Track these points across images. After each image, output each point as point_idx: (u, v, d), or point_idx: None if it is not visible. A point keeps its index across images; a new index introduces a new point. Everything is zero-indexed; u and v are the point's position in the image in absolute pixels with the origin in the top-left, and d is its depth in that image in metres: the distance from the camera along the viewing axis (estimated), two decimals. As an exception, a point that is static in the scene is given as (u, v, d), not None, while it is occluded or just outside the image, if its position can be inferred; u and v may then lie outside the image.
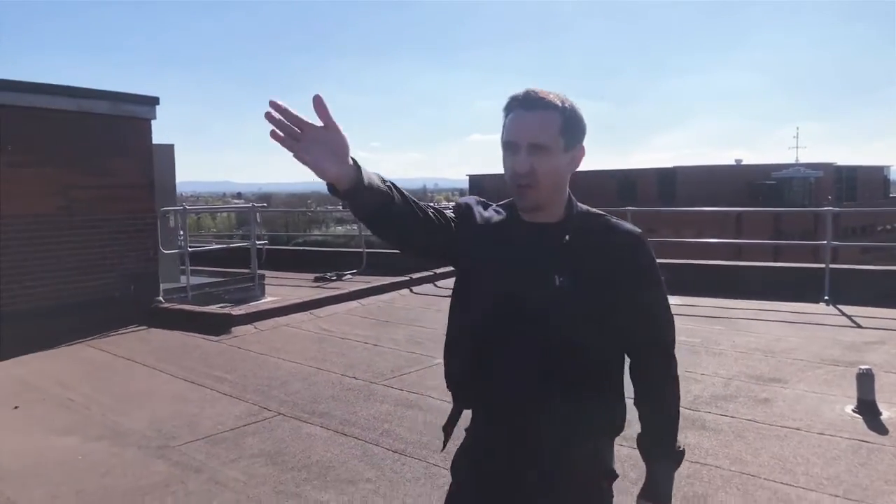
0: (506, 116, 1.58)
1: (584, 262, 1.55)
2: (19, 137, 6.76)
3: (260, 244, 10.45)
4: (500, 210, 1.69)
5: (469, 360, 1.62)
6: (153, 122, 8.02)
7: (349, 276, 11.50)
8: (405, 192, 1.55)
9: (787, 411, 4.47)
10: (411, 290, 9.79)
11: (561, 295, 1.53)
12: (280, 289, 10.30)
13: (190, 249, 8.89)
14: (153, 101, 7.93)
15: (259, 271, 9.72)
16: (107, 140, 7.51)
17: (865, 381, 4.40)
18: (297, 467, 3.88)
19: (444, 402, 4.88)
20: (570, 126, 1.56)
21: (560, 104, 1.55)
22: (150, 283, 8.03)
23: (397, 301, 9.15)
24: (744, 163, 41.68)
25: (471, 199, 1.72)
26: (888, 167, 46.42)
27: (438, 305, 8.67)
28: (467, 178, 53.07)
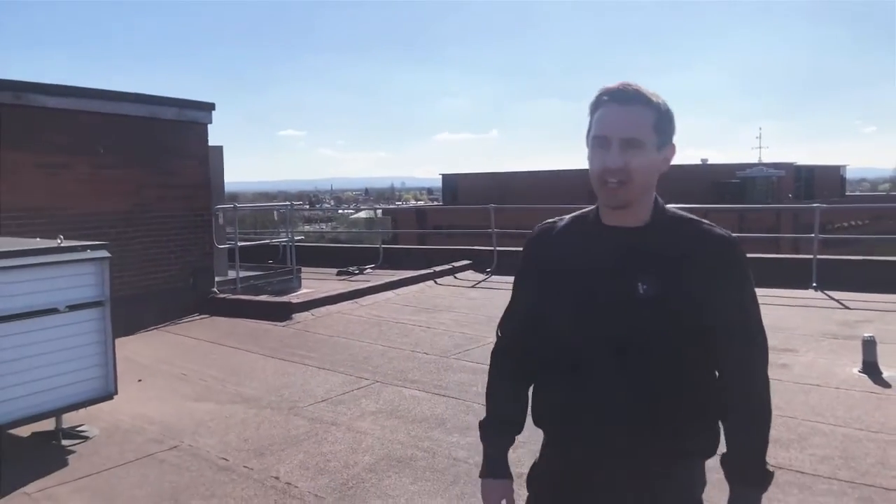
0: (594, 111, 1.52)
1: (673, 269, 1.47)
2: (102, 141, 7.38)
3: (285, 241, 11.16)
4: (577, 220, 1.63)
5: (562, 389, 1.56)
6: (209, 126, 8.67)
7: (369, 270, 12.24)
8: (516, 377, 1.69)
9: (805, 373, 5.41)
10: (436, 282, 10.58)
11: (647, 304, 1.46)
12: (309, 282, 11.01)
13: (239, 245, 9.55)
14: (210, 107, 8.59)
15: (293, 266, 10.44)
16: (173, 143, 8.16)
17: (870, 346, 5.37)
18: (417, 420, 4.67)
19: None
20: (663, 123, 1.50)
21: (654, 100, 1.49)
22: (207, 276, 8.69)
23: (426, 291, 9.94)
24: (710, 162, 43.18)
25: (531, 240, 1.68)
26: (844, 167, 48.45)
27: (466, 295, 9.53)
28: (440, 177, 53.58)
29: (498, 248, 11.42)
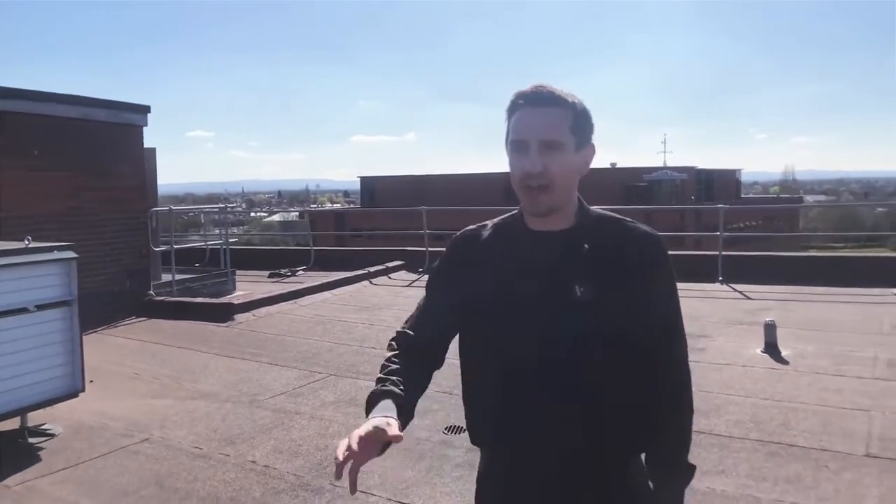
0: (510, 116, 1.50)
1: (606, 270, 1.47)
2: (37, 144, 7.28)
3: (217, 244, 11.16)
4: (501, 226, 1.60)
5: (497, 395, 1.52)
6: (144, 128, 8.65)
7: (301, 272, 12.37)
8: (413, 359, 1.54)
9: (718, 354, 6.08)
10: (371, 282, 10.86)
11: (586, 307, 1.44)
12: (242, 284, 11.05)
13: (174, 248, 9.52)
14: (146, 110, 8.56)
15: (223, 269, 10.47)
16: (109, 145, 8.10)
17: (770, 330, 6.10)
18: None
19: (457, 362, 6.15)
20: (580, 123, 1.48)
21: (570, 100, 1.47)
22: (144, 279, 8.65)
23: (363, 291, 10.21)
24: (618, 166, 45.18)
25: (455, 242, 1.64)
26: (739, 171, 51.73)
27: (403, 293, 9.88)
28: (358, 179, 53.40)
29: (430, 249, 11.82)
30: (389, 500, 3.52)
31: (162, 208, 9.66)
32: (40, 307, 4.28)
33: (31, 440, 4.37)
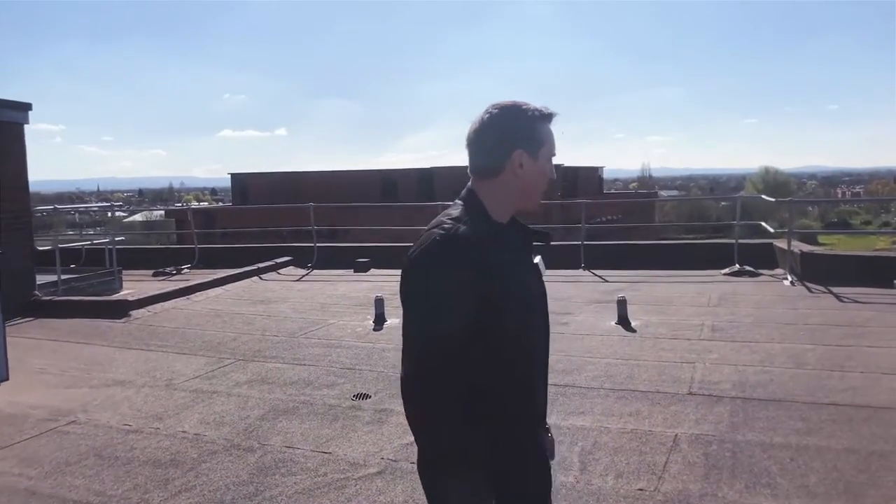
0: (544, 126, 1.67)
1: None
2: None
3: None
4: (489, 227, 1.63)
5: (542, 385, 1.78)
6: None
7: (186, 270, 12.44)
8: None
9: (579, 327, 7.13)
10: (261, 278, 11.22)
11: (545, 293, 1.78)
12: (128, 283, 11.03)
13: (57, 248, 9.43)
14: (27, 107, 8.47)
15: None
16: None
17: (622, 305, 7.24)
18: (288, 383, 5.54)
19: (356, 344, 6.80)
20: None
21: None
22: (28, 279, 8.57)
23: (254, 286, 10.56)
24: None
25: (478, 254, 1.54)
26: (602, 168, 55.32)
27: (294, 287, 10.37)
28: (228, 176, 51.85)
29: (319, 245, 12.30)
30: (314, 451, 4.13)
31: (46, 207, 9.52)
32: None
33: (-46, 429, 4.56)
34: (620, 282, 9.84)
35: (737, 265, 10.23)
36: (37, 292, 8.69)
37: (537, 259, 1.75)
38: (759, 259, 10.48)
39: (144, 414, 4.90)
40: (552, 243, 1.82)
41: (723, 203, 61.34)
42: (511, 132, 1.64)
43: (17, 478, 3.85)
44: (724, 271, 10.16)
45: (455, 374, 1.53)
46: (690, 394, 4.92)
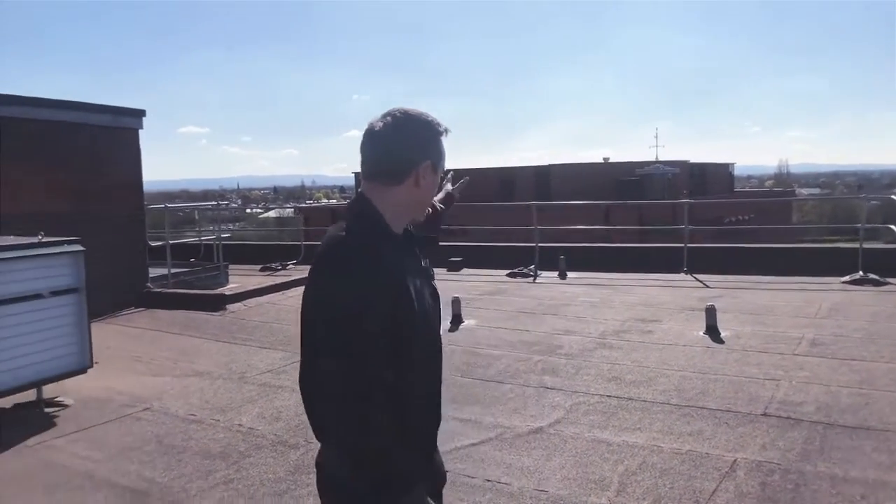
0: (440, 141, 1.62)
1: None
2: (46, 148, 7.89)
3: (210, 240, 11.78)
4: (384, 238, 1.57)
5: (427, 398, 1.63)
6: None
7: (291, 266, 13.00)
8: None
9: (663, 336, 6.73)
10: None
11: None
12: (235, 277, 11.69)
13: (164, 244, 10.15)
14: (141, 114, 9.18)
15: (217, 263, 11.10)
16: (108, 147, 8.72)
17: (711, 312, 6.76)
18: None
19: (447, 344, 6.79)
20: None
21: None
22: (140, 272, 9.27)
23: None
24: (611, 160, 45.69)
25: (380, 271, 1.46)
26: (732, 164, 52.27)
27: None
28: (353, 175, 53.64)
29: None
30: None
31: (158, 206, 10.27)
32: (53, 293, 4.91)
33: (46, 409, 5.01)
34: (722, 287, 9.23)
35: (860, 272, 9.28)
36: (148, 284, 9.37)
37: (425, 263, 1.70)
38: (891, 266, 9.44)
39: (211, 405, 5.13)
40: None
41: (873, 201, 56.05)
42: (422, 142, 1.59)
43: (82, 460, 4.15)
44: (843, 279, 9.25)
45: (363, 381, 1.45)
46: (765, 415, 4.49)
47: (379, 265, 1.47)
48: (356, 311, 1.42)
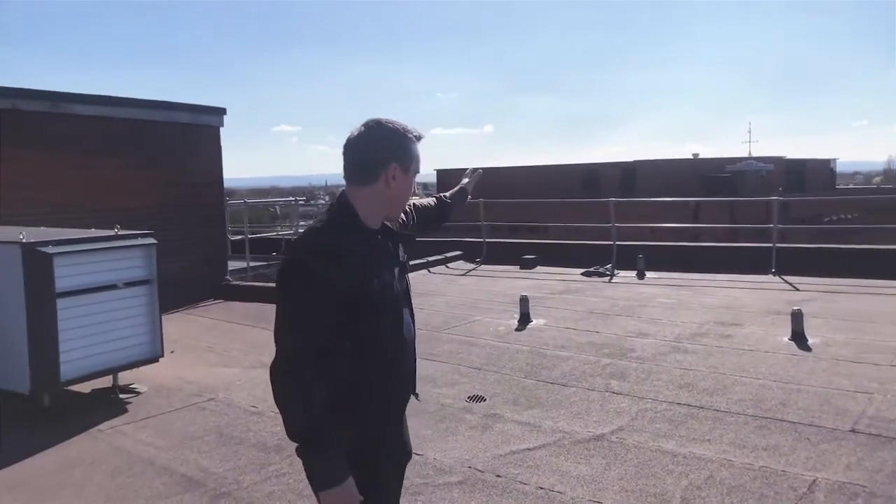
0: (415, 147, 1.82)
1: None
2: (129, 145, 8.27)
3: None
4: (350, 230, 1.77)
5: (386, 384, 1.88)
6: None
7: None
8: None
9: (743, 341, 6.33)
10: (429, 271, 11.51)
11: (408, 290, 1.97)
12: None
13: (248, 238, 10.45)
14: (222, 112, 9.48)
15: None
16: (190, 145, 9.05)
17: (797, 318, 6.30)
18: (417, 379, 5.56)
19: (493, 343, 6.63)
20: None
21: None
22: (220, 265, 9.58)
23: (420, 279, 10.83)
24: (700, 156, 43.96)
25: (330, 261, 1.68)
26: (834, 160, 49.19)
27: (457, 281, 10.49)
28: (434, 172, 53.95)
29: (487, 240, 12.33)
30: (406, 451, 4.08)
31: (236, 202, 10.60)
32: (128, 284, 5.09)
33: (121, 396, 5.21)
34: (814, 290, 8.63)
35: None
36: (227, 277, 9.67)
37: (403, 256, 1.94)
38: None
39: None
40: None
41: None
42: (389, 147, 1.78)
43: (146, 447, 4.28)
44: (954, 284, 8.47)
45: (319, 370, 1.75)
46: (853, 431, 4.12)
47: (336, 258, 1.69)
48: (311, 287, 1.71)
